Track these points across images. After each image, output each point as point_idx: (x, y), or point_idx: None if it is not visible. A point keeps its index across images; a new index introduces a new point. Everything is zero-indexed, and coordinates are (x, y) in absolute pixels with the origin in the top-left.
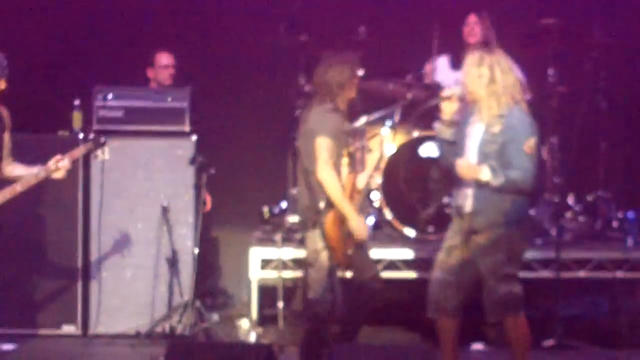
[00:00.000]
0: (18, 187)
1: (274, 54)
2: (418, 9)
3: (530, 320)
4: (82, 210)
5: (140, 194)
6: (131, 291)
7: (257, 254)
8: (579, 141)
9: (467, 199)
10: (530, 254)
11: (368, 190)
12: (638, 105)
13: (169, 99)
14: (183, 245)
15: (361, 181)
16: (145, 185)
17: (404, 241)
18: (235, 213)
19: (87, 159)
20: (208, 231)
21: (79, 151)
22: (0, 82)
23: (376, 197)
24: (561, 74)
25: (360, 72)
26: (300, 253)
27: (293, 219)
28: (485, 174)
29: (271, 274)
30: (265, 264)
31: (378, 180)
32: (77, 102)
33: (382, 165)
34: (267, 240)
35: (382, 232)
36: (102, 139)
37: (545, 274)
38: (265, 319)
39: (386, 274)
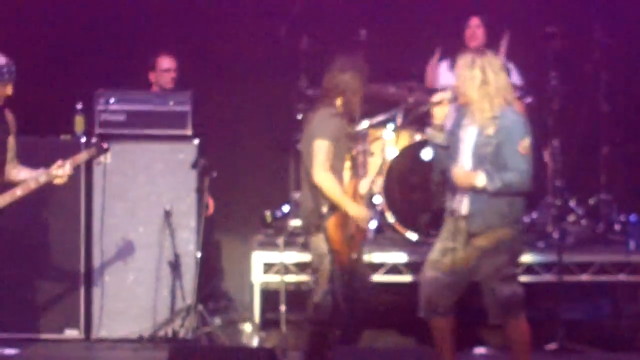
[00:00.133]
0: (18, 192)
1: (275, 57)
2: (419, 12)
3: (532, 324)
4: (84, 214)
5: (142, 198)
6: (134, 295)
7: (259, 257)
8: (581, 144)
9: (462, 202)
10: (532, 258)
11: (370, 195)
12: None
13: (171, 103)
14: (185, 249)
15: (363, 187)
16: (147, 189)
17: (406, 245)
18: (238, 217)
19: (89, 163)
20: (210, 235)
21: (81, 157)
22: (7, 87)
23: (378, 201)
24: (562, 76)
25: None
26: (303, 257)
27: (295, 222)
28: (481, 180)
29: (273, 278)
30: (268, 267)
31: (380, 183)
32: (79, 106)
33: (384, 169)
34: (269, 244)
35: (384, 236)
36: (105, 145)
37: (547, 277)
38: (268, 323)
39: (388, 278)
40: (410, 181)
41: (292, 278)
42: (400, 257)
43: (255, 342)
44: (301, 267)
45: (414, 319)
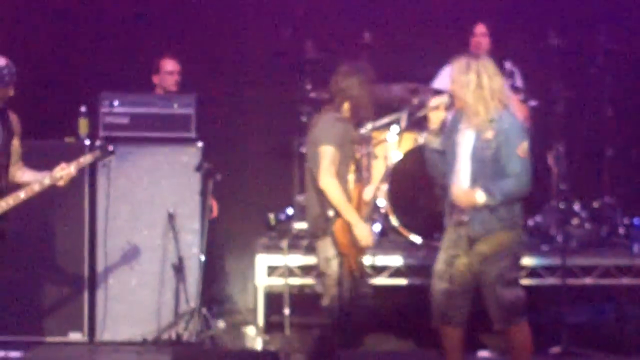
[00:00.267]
0: (22, 195)
1: (279, 60)
2: (423, 14)
3: (536, 327)
4: (88, 217)
5: (146, 201)
6: (137, 298)
7: (263, 260)
8: (585, 148)
9: (459, 209)
10: (536, 261)
11: (374, 202)
12: None
13: (175, 106)
14: (189, 252)
15: (368, 193)
16: (151, 192)
17: (410, 248)
18: (242, 220)
19: (93, 166)
20: (214, 238)
21: (86, 159)
22: (9, 89)
23: (382, 204)
24: (567, 80)
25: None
26: (307, 260)
27: (299, 225)
28: (480, 197)
29: (277, 281)
30: (272, 270)
31: (384, 187)
32: (83, 109)
33: (388, 175)
34: (273, 247)
35: (388, 239)
36: (111, 148)
37: (551, 280)
38: (272, 326)
39: (392, 281)
40: (414, 184)
41: (296, 281)
42: (404, 260)
43: (259, 345)
44: (305, 270)
45: (418, 322)
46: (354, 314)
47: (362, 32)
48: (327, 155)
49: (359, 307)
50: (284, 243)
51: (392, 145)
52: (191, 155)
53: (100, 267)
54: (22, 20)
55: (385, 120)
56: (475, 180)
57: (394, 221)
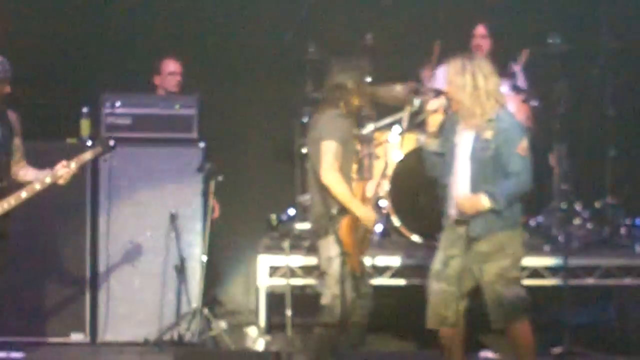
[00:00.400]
0: (23, 194)
1: (281, 61)
2: (425, 16)
3: (538, 328)
4: (90, 218)
5: (148, 202)
6: (139, 299)
7: (265, 261)
8: (587, 148)
9: (454, 208)
10: (538, 261)
11: (377, 198)
12: None
13: (177, 107)
14: (191, 252)
15: (370, 189)
16: (153, 193)
17: (412, 248)
18: (243, 220)
19: (95, 166)
20: (216, 239)
21: (87, 156)
22: (5, 86)
23: (384, 204)
24: (568, 80)
25: (368, 79)
26: (308, 260)
27: (301, 226)
28: (485, 203)
29: (279, 282)
30: (273, 271)
31: (386, 187)
32: (85, 110)
33: (389, 172)
34: (275, 248)
35: (390, 239)
36: (112, 142)
37: (553, 281)
38: (274, 327)
39: (394, 281)
40: (416, 184)
41: (297, 281)
42: (405, 260)
43: (260, 346)
44: (307, 271)
45: (419, 323)
46: (355, 313)
47: (364, 34)
48: (329, 150)
49: (361, 306)
50: (286, 244)
51: (394, 145)
52: (193, 156)
53: (102, 267)
54: (23, 21)
55: (387, 120)
56: (475, 181)
57: (396, 221)
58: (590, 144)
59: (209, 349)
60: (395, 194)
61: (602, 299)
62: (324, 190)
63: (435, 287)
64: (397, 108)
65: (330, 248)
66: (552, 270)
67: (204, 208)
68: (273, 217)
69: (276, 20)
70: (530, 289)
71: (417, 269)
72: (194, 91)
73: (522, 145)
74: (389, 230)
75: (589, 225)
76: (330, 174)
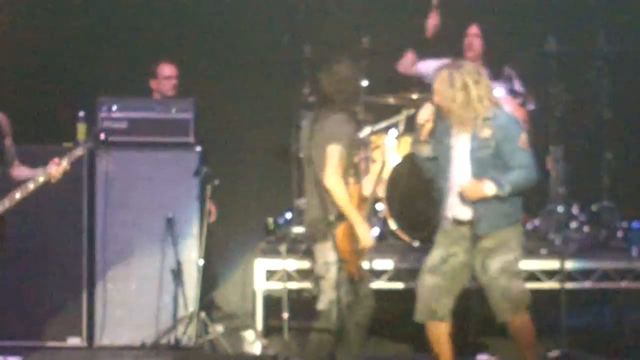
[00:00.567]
0: (17, 195)
1: (278, 64)
2: (422, 19)
3: (535, 331)
4: (86, 222)
5: (144, 206)
6: (136, 303)
7: (261, 265)
8: (583, 151)
9: (459, 208)
10: (535, 265)
11: (374, 200)
12: None
13: (174, 111)
14: (188, 256)
15: (366, 188)
16: (149, 197)
17: (409, 251)
18: (240, 224)
19: (92, 170)
20: (213, 242)
21: (78, 152)
22: None
23: (381, 208)
24: (565, 83)
25: (364, 83)
26: (305, 264)
27: (298, 230)
28: (490, 189)
29: (276, 285)
30: (270, 275)
31: (382, 190)
32: (81, 114)
33: (386, 173)
34: (271, 252)
35: (387, 243)
36: (102, 136)
37: (550, 284)
38: (270, 330)
39: (391, 284)
40: (413, 188)
41: (294, 285)
42: (402, 264)
43: (257, 350)
44: (304, 274)
45: (416, 326)
46: (356, 315)
47: (361, 37)
48: (336, 155)
49: (363, 307)
50: (283, 247)
51: (391, 149)
52: (189, 160)
53: (99, 271)
54: (19, 25)
55: (383, 124)
56: (476, 179)
57: (393, 225)
58: (586, 147)
59: (206, 353)
60: (391, 198)
61: (598, 302)
62: (323, 195)
63: (429, 281)
64: (393, 111)
65: (327, 253)
66: (549, 274)
67: (200, 212)
68: (270, 220)
69: (272, 23)
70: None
71: (413, 273)
72: (190, 95)
73: (523, 139)
74: (385, 233)
75: (585, 229)
76: (333, 177)
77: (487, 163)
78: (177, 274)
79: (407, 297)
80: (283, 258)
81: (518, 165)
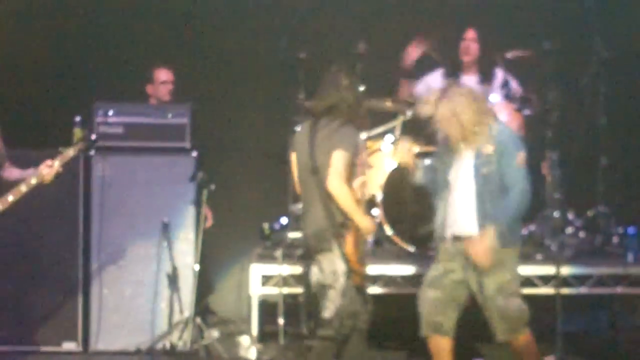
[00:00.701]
0: (10, 197)
1: (274, 69)
2: (417, 24)
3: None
4: (82, 226)
5: (140, 210)
6: (131, 308)
7: (257, 270)
8: (579, 156)
9: (456, 224)
10: (530, 270)
11: (370, 205)
12: (638, 120)
13: (170, 116)
14: (183, 261)
15: (356, 184)
16: (145, 202)
17: (404, 257)
18: (236, 229)
19: (87, 175)
20: (208, 247)
21: (69, 153)
22: None
23: (376, 213)
24: (561, 89)
25: (361, 87)
26: (301, 269)
27: (293, 235)
28: (492, 239)
29: (272, 290)
30: (266, 280)
31: (379, 196)
32: (77, 119)
33: (382, 181)
34: (267, 257)
35: (382, 248)
36: (93, 136)
37: (545, 289)
38: (266, 336)
39: (386, 290)
40: (409, 193)
41: (290, 290)
42: (398, 269)
43: (253, 355)
44: (299, 279)
45: (411, 332)
46: (360, 320)
47: (357, 42)
48: (341, 160)
49: (364, 313)
50: (278, 252)
51: (387, 154)
52: (185, 164)
53: (94, 276)
54: (15, 30)
55: (379, 129)
56: (480, 196)
57: (388, 230)
58: (582, 152)
59: (201, 358)
60: (387, 203)
61: (594, 307)
62: (329, 204)
63: (430, 295)
64: (389, 117)
65: (335, 262)
66: (545, 279)
67: (196, 217)
68: (266, 226)
69: (268, 28)
70: (522, 297)
71: (409, 278)
72: (186, 100)
73: (519, 157)
74: (381, 239)
75: (581, 234)
76: (337, 181)
77: (491, 179)
78: (173, 279)
79: (402, 303)
80: (279, 263)
81: (508, 184)
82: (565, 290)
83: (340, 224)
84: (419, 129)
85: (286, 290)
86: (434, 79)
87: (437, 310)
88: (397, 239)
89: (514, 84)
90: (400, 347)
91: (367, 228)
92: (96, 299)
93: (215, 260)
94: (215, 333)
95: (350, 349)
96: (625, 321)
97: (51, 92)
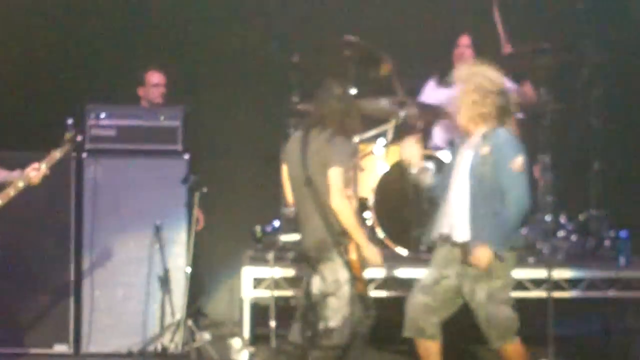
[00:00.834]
0: None
1: (267, 72)
2: (410, 27)
3: (522, 340)
4: (74, 229)
5: (132, 213)
6: (123, 310)
7: (249, 272)
8: (571, 160)
9: (454, 229)
10: (522, 273)
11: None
12: (630, 124)
13: (162, 118)
14: (175, 264)
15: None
16: (137, 204)
17: (396, 260)
18: (228, 232)
19: (79, 177)
20: (200, 250)
21: (56, 155)
22: None
23: (368, 216)
24: (553, 92)
25: (353, 90)
26: (293, 272)
27: (286, 238)
28: (487, 256)
29: (263, 293)
30: (258, 283)
31: (371, 199)
32: (69, 121)
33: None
34: (259, 259)
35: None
36: (79, 137)
37: (537, 293)
38: (258, 338)
39: (378, 293)
40: (400, 196)
41: (282, 293)
42: (389, 272)
43: (244, 358)
44: (291, 282)
45: (403, 335)
46: (362, 325)
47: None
48: (339, 177)
49: (367, 318)
50: (270, 255)
51: (379, 157)
52: (177, 167)
53: (86, 278)
54: (7, 32)
55: (372, 132)
56: (474, 197)
57: (380, 233)
58: (574, 156)
59: None
60: (379, 206)
61: (586, 311)
62: (327, 213)
63: (420, 299)
64: (381, 120)
65: (337, 271)
66: (536, 282)
67: (188, 219)
68: (258, 228)
69: (261, 31)
70: (514, 301)
71: (401, 281)
72: (178, 103)
73: (517, 161)
74: (373, 242)
75: (573, 238)
76: (340, 200)
77: (485, 180)
78: (165, 282)
79: (394, 306)
80: (271, 266)
81: (509, 189)
82: (557, 294)
83: (339, 233)
84: (411, 132)
85: (278, 293)
86: (430, 85)
87: (422, 317)
88: (388, 242)
89: (508, 83)
90: (392, 350)
91: (371, 254)
92: (88, 301)
93: (207, 262)
94: (206, 336)
95: (352, 354)
96: (617, 325)
97: (43, 94)
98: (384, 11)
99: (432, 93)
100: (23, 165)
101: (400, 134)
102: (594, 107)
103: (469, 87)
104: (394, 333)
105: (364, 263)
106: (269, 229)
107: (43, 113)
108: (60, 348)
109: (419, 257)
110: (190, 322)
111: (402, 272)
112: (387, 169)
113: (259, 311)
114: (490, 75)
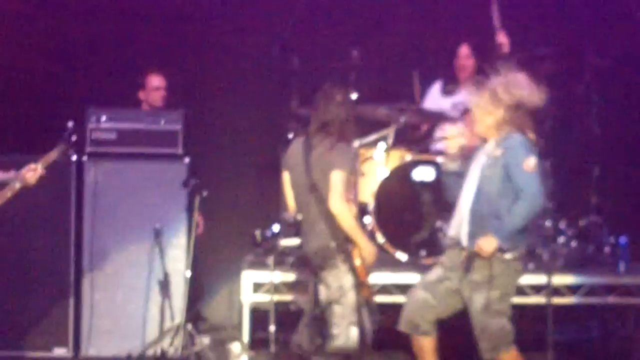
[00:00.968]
0: None
1: (267, 77)
2: (410, 33)
3: (521, 346)
4: (74, 232)
5: (132, 216)
6: (123, 313)
7: (249, 277)
8: (572, 166)
9: (462, 233)
10: (522, 279)
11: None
12: (631, 130)
13: (162, 122)
14: (175, 267)
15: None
16: (137, 208)
17: (396, 265)
18: (228, 236)
19: (80, 181)
20: (200, 254)
21: (52, 155)
22: None
23: (368, 221)
24: (553, 98)
25: (354, 96)
26: (292, 277)
27: (285, 242)
28: (491, 245)
29: (263, 298)
30: (257, 287)
31: (371, 204)
32: (70, 124)
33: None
34: (259, 264)
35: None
36: (73, 137)
37: (536, 299)
38: (257, 343)
39: (378, 298)
40: (401, 201)
41: (281, 297)
42: (390, 277)
43: None
44: (291, 287)
45: (402, 340)
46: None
47: (349, 50)
48: (340, 181)
49: (373, 324)
50: (270, 260)
51: (379, 162)
52: (178, 171)
53: (85, 282)
54: (8, 35)
55: (372, 137)
56: (477, 197)
57: (380, 238)
58: (575, 162)
59: None
60: (379, 211)
61: (586, 317)
62: (331, 221)
63: (420, 295)
64: (382, 125)
65: (342, 278)
66: (536, 288)
67: (188, 223)
68: (258, 233)
69: (261, 36)
70: (513, 307)
71: (401, 286)
72: (179, 106)
73: (528, 162)
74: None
75: (573, 243)
76: (339, 203)
77: (493, 181)
78: (164, 285)
79: (394, 311)
80: (270, 270)
81: (518, 189)
82: (556, 300)
83: (344, 239)
84: (412, 137)
85: (278, 297)
86: (434, 91)
87: (419, 312)
88: (389, 247)
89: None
90: (392, 355)
91: (369, 251)
92: (87, 304)
93: (206, 266)
94: (206, 340)
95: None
96: (617, 331)
97: (44, 98)
98: (383, 13)
99: (435, 100)
100: (19, 167)
101: (402, 138)
102: (594, 113)
103: (486, 97)
104: (394, 338)
105: (368, 268)
106: (269, 233)
107: (44, 116)
108: (59, 351)
109: (418, 262)
110: (189, 326)
111: (402, 278)
112: (387, 173)
113: (259, 316)
114: (513, 89)
